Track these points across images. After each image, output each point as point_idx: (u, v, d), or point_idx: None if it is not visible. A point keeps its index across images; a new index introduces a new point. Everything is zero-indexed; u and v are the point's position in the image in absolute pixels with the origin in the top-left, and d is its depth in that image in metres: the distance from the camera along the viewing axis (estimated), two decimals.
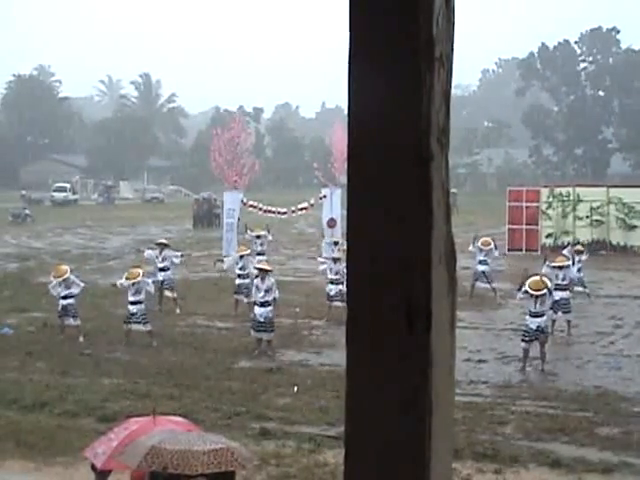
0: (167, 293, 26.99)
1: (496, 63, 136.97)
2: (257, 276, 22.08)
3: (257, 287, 21.37)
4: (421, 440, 2.25)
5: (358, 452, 2.31)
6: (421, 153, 2.21)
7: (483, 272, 28.89)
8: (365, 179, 2.25)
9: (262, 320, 20.89)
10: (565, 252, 28.40)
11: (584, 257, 28.06)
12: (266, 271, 21.94)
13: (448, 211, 2.33)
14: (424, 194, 2.20)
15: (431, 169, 2.21)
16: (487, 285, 28.88)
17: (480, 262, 28.95)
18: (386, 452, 2.26)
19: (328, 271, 25.57)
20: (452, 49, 2.38)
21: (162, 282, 26.83)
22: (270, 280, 21.50)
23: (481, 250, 29.12)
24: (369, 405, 2.27)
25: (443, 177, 2.29)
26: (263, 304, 21.00)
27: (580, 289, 27.51)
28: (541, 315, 19.52)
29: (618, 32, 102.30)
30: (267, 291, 21.09)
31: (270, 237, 33.41)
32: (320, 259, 29.55)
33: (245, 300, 24.99)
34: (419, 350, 2.23)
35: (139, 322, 21.77)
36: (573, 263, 27.13)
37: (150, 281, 23.00)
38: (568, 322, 23.13)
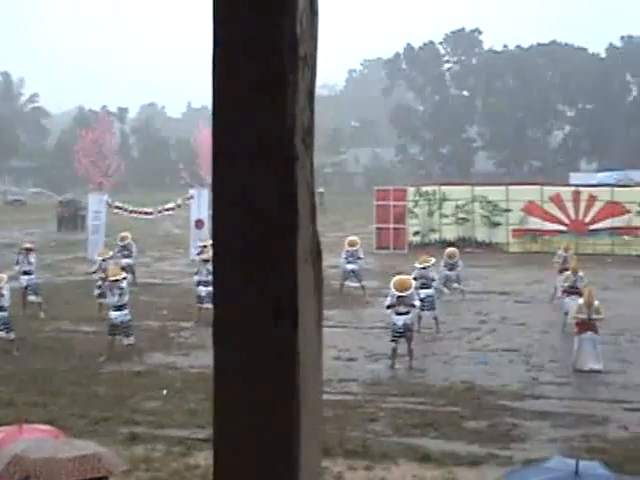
0: (31, 297, 26.34)
1: (362, 63, 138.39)
2: (108, 279, 21.80)
3: (111, 290, 21.13)
4: (290, 439, 2.24)
5: (227, 453, 2.29)
6: (286, 153, 2.20)
7: (352, 271, 29.19)
8: (230, 179, 2.24)
9: (118, 324, 20.63)
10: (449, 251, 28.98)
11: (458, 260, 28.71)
12: (122, 276, 21.81)
13: (314, 211, 2.33)
14: (289, 194, 2.20)
15: (296, 169, 2.21)
16: (356, 284, 29.18)
17: (348, 261, 29.24)
18: (255, 452, 2.25)
19: (197, 272, 25.40)
20: (316, 49, 2.38)
21: (26, 287, 26.20)
22: (123, 283, 21.32)
23: (349, 250, 29.44)
24: (237, 406, 2.26)
25: (308, 177, 2.29)
26: (119, 308, 20.75)
27: (456, 286, 28.20)
28: (407, 313, 19.83)
29: (480, 33, 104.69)
30: (121, 295, 20.86)
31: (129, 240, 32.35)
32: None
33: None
34: (286, 349, 2.22)
35: (1, 330, 21.15)
36: (453, 266, 27.96)
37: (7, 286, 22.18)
38: (435, 319, 23.53)
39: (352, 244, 29.81)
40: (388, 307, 20.15)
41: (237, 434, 2.25)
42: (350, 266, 29.23)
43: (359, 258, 29.63)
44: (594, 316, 19.11)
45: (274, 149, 2.19)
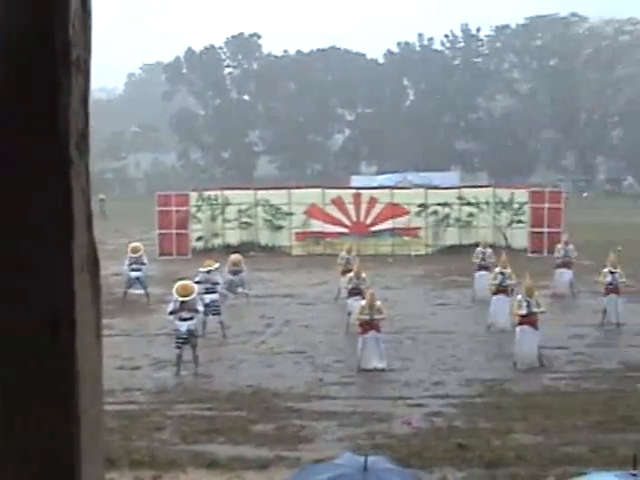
0: None
1: (141, 67, 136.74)
2: None
3: None
4: (70, 453, 2.18)
5: (9, 470, 2.21)
6: (59, 159, 2.12)
7: (137, 278, 28.81)
8: (1, 188, 2.14)
9: None
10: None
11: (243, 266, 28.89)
12: None
13: (90, 218, 2.26)
14: (64, 202, 2.12)
15: (70, 176, 2.13)
16: (140, 291, 28.83)
17: (132, 268, 28.84)
18: (36, 468, 2.18)
19: None
20: (90, 51, 2.30)
21: None
22: None
23: (132, 256, 29.04)
24: (15, 422, 2.18)
25: (83, 183, 2.21)
26: None
27: (240, 290, 28.33)
28: (190, 318, 19.70)
29: (260, 37, 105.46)
30: None
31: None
32: None
33: None
34: (65, 362, 2.15)
35: None
36: (237, 271, 28.06)
37: None
38: (221, 323, 23.53)
39: (135, 250, 29.41)
40: (171, 313, 19.96)
41: (16, 450, 2.16)
42: (134, 273, 28.83)
43: (143, 264, 29.26)
44: (376, 316, 19.60)
45: (47, 156, 2.10)
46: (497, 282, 24.27)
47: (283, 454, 13.68)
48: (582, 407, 16.10)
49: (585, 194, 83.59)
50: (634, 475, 6.67)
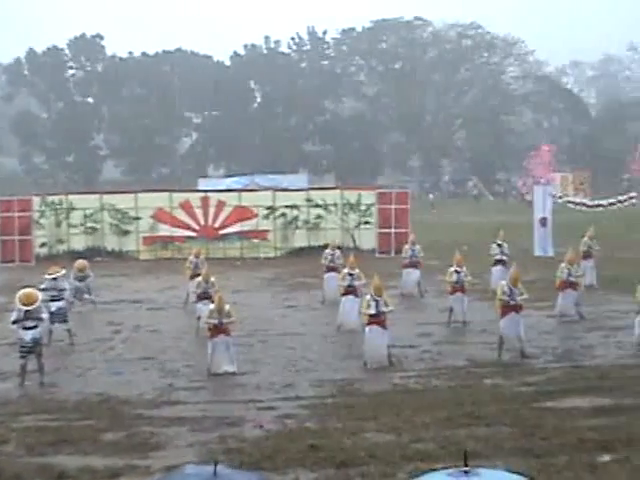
0: None
1: None
2: None
3: None
4: None
5: None
6: None
7: None
8: None
9: None
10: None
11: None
12: None
13: None
14: None
15: None
16: None
17: None
18: None
19: None
20: None
21: None
22: None
23: None
24: None
25: None
26: None
27: (87, 297, 27.78)
28: (35, 327, 19.07)
29: (102, 39, 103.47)
30: None
31: None
32: None
33: None
34: None
35: None
36: (83, 277, 27.48)
37: None
38: (68, 331, 22.99)
39: None
40: (14, 322, 19.28)
41: None
42: None
43: None
44: (225, 320, 19.48)
45: None
46: (346, 283, 24.49)
47: (134, 462, 13.41)
48: (431, 404, 16.39)
49: (431, 195, 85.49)
50: (466, 472, 6.81)
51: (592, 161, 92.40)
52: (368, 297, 20.15)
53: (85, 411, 16.54)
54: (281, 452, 13.54)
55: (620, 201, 41.76)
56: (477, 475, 6.87)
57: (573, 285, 24.91)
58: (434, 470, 8.30)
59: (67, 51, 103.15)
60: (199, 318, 22.98)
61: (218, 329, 19.43)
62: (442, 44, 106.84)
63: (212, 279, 24.20)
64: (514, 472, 7.80)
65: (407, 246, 30.52)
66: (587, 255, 29.81)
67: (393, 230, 41.36)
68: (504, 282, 20.95)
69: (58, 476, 12.94)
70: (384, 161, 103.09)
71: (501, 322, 20.33)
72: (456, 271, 24.61)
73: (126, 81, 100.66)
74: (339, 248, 31.47)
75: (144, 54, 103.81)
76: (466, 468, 6.85)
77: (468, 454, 7.38)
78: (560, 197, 45.82)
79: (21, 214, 41.66)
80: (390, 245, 40.85)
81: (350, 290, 24.27)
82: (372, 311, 19.77)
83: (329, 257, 29.12)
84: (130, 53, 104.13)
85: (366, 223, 42.74)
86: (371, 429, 14.75)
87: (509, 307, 20.29)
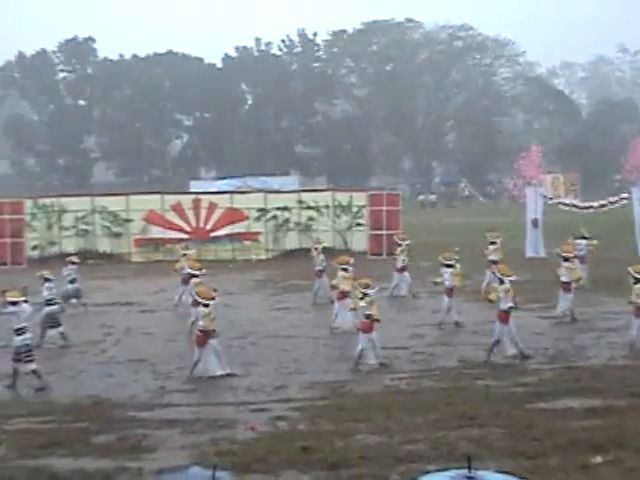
0: None
1: None
2: None
3: None
4: None
5: None
6: None
7: None
8: None
9: None
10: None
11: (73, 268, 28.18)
12: None
13: None
14: None
15: None
16: None
17: None
18: None
19: None
20: None
21: None
22: None
23: None
24: None
25: None
26: None
27: (75, 300, 27.76)
28: (27, 330, 18.97)
29: (94, 41, 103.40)
30: None
31: None
32: None
33: None
34: None
35: None
36: (73, 279, 27.49)
37: None
38: (61, 334, 22.97)
39: None
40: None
41: None
42: None
43: None
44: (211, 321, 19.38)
45: None
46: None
47: (125, 464, 13.39)
48: (422, 405, 16.40)
49: (432, 196, 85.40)
50: (470, 477, 6.76)
51: (583, 162, 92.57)
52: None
53: (77, 413, 16.51)
54: (273, 454, 13.53)
55: (611, 202, 41.77)
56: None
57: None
58: (431, 472, 8.26)
59: (58, 54, 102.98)
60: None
61: (208, 335, 19.28)
62: (433, 46, 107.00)
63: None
64: (519, 477, 7.72)
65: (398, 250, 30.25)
66: (582, 258, 29.78)
67: (385, 232, 41.37)
68: (500, 287, 20.59)
69: (50, 477, 12.93)
70: (375, 163, 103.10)
71: (497, 326, 20.12)
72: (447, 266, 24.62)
73: (117, 83, 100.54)
74: (331, 250, 31.38)
75: (135, 56, 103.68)
76: (470, 474, 6.78)
77: (460, 455, 7.37)
78: (551, 198, 45.78)
79: (13, 216, 41.62)
80: (382, 247, 40.87)
81: (344, 294, 24.05)
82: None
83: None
84: (121, 55, 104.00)
85: (358, 225, 42.78)
86: (363, 431, 14.75)
87: (506, 312, 20.09)
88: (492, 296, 20.50)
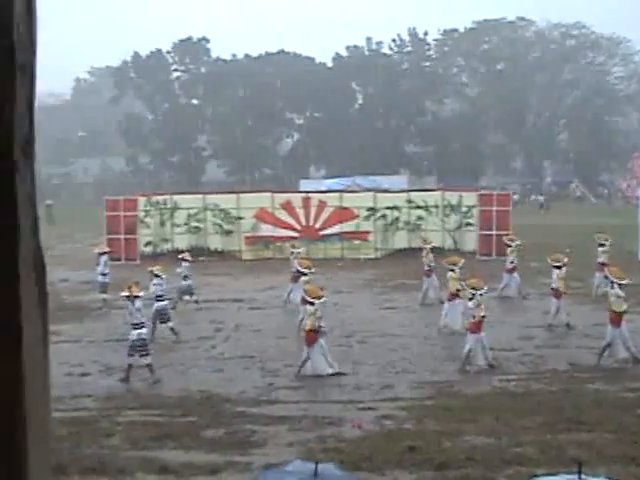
0: None
1: (89, 72, 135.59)
2: None
3: None
4: (17, 458, 2.15)
5: None
6: (4, 165, 2.09)
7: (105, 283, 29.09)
8: None
9: None
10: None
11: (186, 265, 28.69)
12: None
13: (36, 224, 2.23)
14: (9, 208, 2.09)
15: (16, 181, 2.10)
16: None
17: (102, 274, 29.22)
18: None
19: None
20: (35, 55, 2.28)
21: None
22: None
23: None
24: None
25: (29, 189, 2.19)
26: None
27: (187, 297, 28.28)
28: (142, 325, 19.48)
29: (208, 42, 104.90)
30: None
31: None
32: None
33: None
34: (9, 371, 2.12)
35: None
36: (186, 276, 28.05)
37: None
38: (171, 329, 23.42)
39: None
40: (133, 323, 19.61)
41: None
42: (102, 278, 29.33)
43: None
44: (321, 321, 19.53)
45: None
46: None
47: (234, 459, 13.62)
48: (531, 408, 16.24)
49: (541, 197, 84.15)
50: None
51: None
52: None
53: (187, 408, 16.84)
54: (379, 453, 13.59)
55: None
56: None
57: None
58: (540, 476, 8.21)
59: (172, 53, 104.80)
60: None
61: (317, 334, 19.42)
62: (545, 44, 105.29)
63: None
64: None
65: (508, 250, 30.00)
66: None
67: (494, 232, 40.96)
68: (613, 291, 20.17)
69: (160, 470, 13.23)
70: (485, 163, 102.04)
71: (609, 329, 19.76)
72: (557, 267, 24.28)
73: (230, 83, 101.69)
74: (440, 249, 31.25)
75: (247, 56, 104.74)
76: (580, 479, 6.69)
77: (568, 460, 7.32)
78: None
79: (127, 213, 42.52)
80: (491, 247, 40.49)
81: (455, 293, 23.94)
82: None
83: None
84: (234, 55, 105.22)
85: (467, 225, 42.45)
86: (470, 432, 14.70)
87: (618, 315, 19.72)
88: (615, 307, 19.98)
